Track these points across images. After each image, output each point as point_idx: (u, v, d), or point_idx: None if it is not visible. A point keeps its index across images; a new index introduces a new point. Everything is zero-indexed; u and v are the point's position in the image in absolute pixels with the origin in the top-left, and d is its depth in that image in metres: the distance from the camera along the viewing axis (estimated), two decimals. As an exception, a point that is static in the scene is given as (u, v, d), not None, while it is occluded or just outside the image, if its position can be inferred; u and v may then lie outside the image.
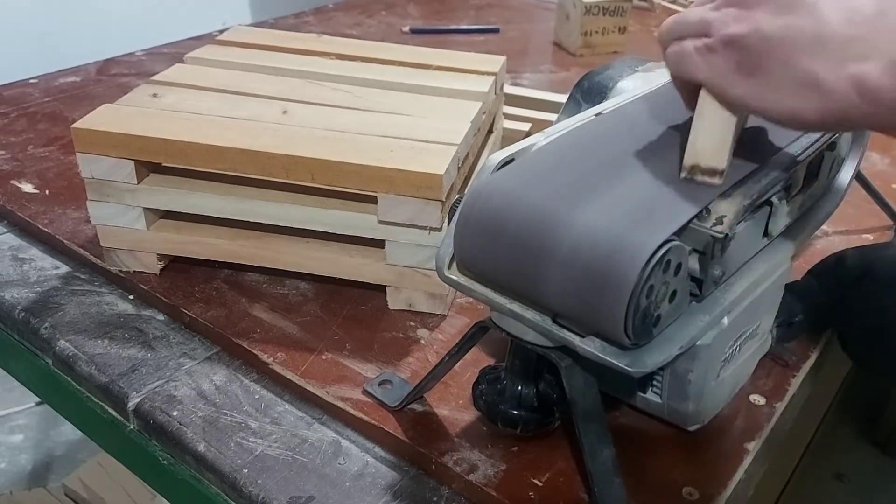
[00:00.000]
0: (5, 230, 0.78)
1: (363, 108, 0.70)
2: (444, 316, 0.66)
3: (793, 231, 0.55)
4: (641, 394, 0.52)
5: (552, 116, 0.88)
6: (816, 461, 1.60)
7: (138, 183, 0.64)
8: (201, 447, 0.53)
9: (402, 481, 0.52)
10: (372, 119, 0.67)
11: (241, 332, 0.62)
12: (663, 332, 0.43)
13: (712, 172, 0.44)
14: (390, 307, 0.66)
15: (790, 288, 0.57)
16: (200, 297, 0.66)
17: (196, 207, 0.65)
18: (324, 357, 0.60)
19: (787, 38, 0.38)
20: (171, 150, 0.62)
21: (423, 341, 0.63)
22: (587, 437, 0.47)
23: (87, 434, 0.68)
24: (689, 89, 0.45)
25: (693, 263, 0.44)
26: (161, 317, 0.66)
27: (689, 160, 0.45)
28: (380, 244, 0.64)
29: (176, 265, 0.70)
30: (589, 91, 0.60)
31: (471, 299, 0.62)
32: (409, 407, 0.56)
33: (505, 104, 0.89)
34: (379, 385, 0.57)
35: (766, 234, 0.51)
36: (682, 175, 0.45)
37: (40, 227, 0.75)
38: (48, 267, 0.72)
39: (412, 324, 0.65)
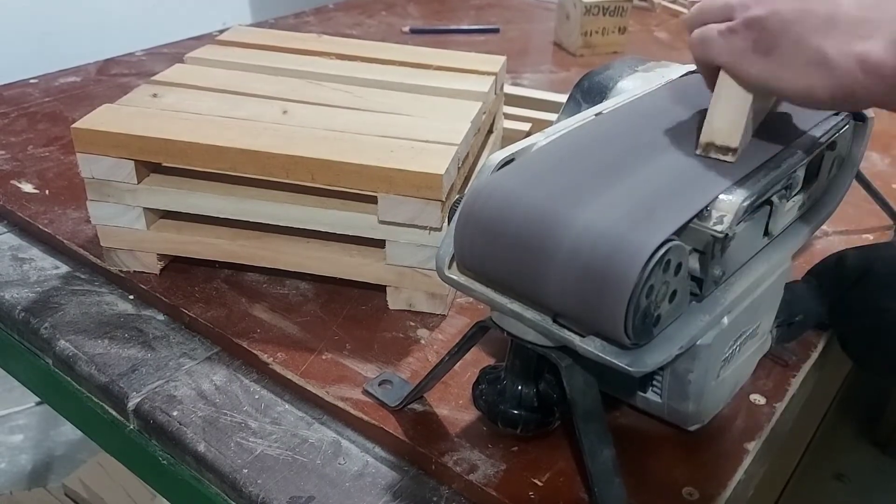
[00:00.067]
0: (5, 230, 0.78)
1: (363, 108, 0.70)
2: (444, 316, 0.66)
3: (793, 231, 0.55)
4: (641, 394, 0.52)
5: (552, 116, 0.88)
6: (816, 461, 1.60)
7: (138, 183, 0.65)
8: (201, 447, 0.53)
9: (402, 481, 0.52)
10: (372, 119, 0.67)
11: (241, 332, 0.62)
12: (663, 332, 0.43)
13: (726, 150, 0.47)
14: (390, 307, 0.66)
15: (790, 288, 0.57)
16: (200, 297, 0.66)
17: (196, 207, 0.65)
18: (324, 357, 0.60)
19: (801, 19, 0.40)
20: (171, 150, 0.62)
21: (423, 341, 0.63)
22: (587, 437, 0.47)
23: (87, 434, 0.68)
24: (711, 72, 0.47)
25: (693, 263, 0.44)
26: (161, 317, 0.66)
27: (704, 137, 0.47)
28: (380, 244, 0.64)
29: (176, 265, 0.70)
30: (589, 91, 0.60)
31: (471, 299, 0.62)
32: (409, 407, 0.56)
33: (505, 104, 0.89)
34: (379, 385, 0.57)
35: (766, 233, 0.51)
36: (697, 151, 0.47)
37: (40, 227, 0.75)
38: (48, 267, 0.72)
39: (412, 324, 0.65)
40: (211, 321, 0.63)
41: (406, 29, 1.44)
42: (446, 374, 0.56)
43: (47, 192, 0.82)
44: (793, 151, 0.49)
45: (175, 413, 0.56)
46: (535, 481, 0.50)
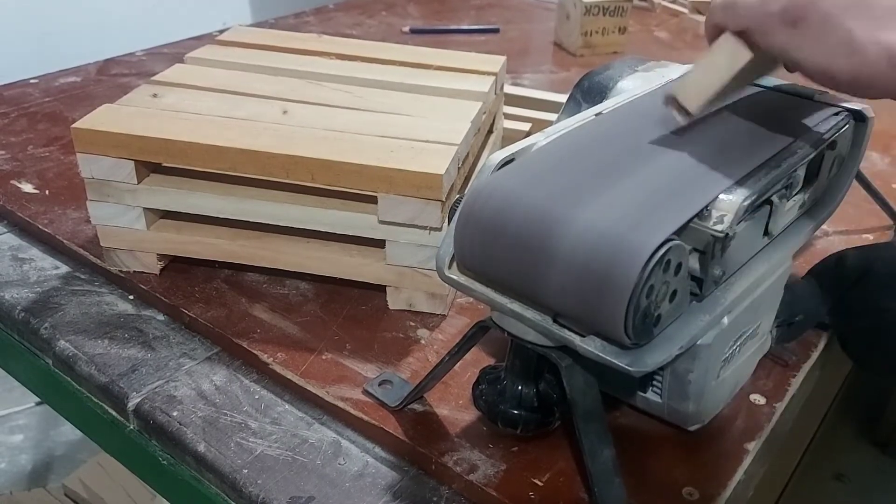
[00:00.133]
0: (5, 230, 0.78)
1: (363, 108, 0.70)
2: (444, 316, 0.66)
3: (793, 231, 0.55)
4: (641, 394, 0.52)
5: (552, 116, 0.88)
6: (816, 461, 1.60)
7: (138, 183, 0.65)
8: (201, 447, 0.53)
9: (402, 481, 0.52)
10: (372, 119, 0.67)
11: (241, 332, 0.62)
12: (664, 332, 0.43)
13: (682, 110, 0.47)
14: (390, 307, 0.66)
15: (790, 288, 0.57)
16: (200, 297, 0.66)
17: (196, 207, 0.65)
18: (324, 357, 0.60)
19: None
20: (171, 150, 0.62)
21: (423, 341, 0.63)
22: (587, 437, 0.47)
23: (87, 434, 0.68)
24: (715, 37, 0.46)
25: (693, 263, 0.44)
26: (161, 317, 0.66)
27: (672, 90, 0.47)
28: (380, 244, 0.64)
29: (176, 265, 0.70)
30: (589, 91, 0.60)
31: (471, 299, 0.62)
32: (409, 407, 0.56)
33: (505, 104, 0.89)
34: (379, 385, 0.57)
35: (766, 233, 0.51)
36: (662, 100, 0.48)
37: (40, 227, 0.75)
38: (48, 267, 0.72)
39: (412, 324, 0.65)
40: (211, 321, 0.63)
41: (406, 29, 1.44)
42: (446, 374, 0.56)
43: (47, 192, 0.82)
44: (793, 151, 0.49)
45: (175, 413, 0.56)
46: (536, 481, 0.50)
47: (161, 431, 0.56)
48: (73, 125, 0.63)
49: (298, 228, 0.65)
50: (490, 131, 0.82)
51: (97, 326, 0.64)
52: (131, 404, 0.57)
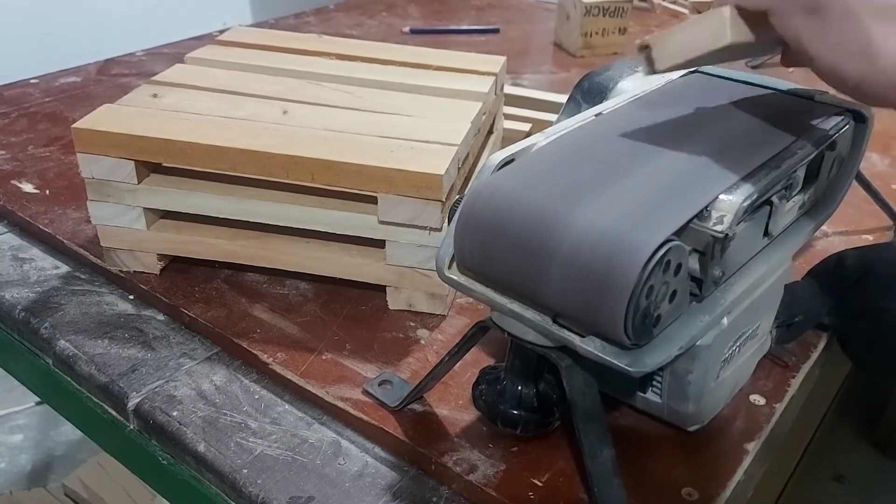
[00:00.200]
0: (6, 230, 0.78)
1: (363, 108, 0.70)
2: (444, 316, 0.66)
3: (793, 231, 0.55)
4: (641, 394, 0.52)
5: (552, 117, 0.88)
6: (816, 462, 1.60)
7: (138, 183, 0.65)
8: (201, 447, 0.53)
9: (401, 481, 0.52)
10: (372, 119, 0.67)
11: (241, 332, 0.63)
12: (663, 332, 0.43)
13: (650, 61, 0.45)
14: (390, 307, 0.66)
15: (790, 288, 0.57)
16: (200, 297, 0.66)
17: (196, 207, 0.65)
18: (324, 357, 0.60)
19: None
20: (171, 150, 0.62)
21: (423, 341, 0.63)
22: (587, 437, 0.47)
23: (87, 434, 0.68)
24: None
25: (693, 263, 0.44)
26: (161, 317, 0.66)
27: (650, 39, 0.45)
28: (380, 244, 0.64)
29: (176, 265, 0.70)
30: (589, 91, 0.60)
31: (471, 299, 0.62)
32: (408, 407, 0.56)
33: (505, 104, 0.89)
34: (379, 385, 0.57)
35: (766, 234, 0.51)
36: (636, 44, 0.45)
37: (40, 227, 0.75)
38: (48, 267, 0.73)
39: (412, 324, 0.65)
40: (211, 321, 0.63)
41: (406, 29, 1.44)
42: (446, 375, 0.56)
43: (47, 192, 0.82)
44: (793, 151, 0.49)
45: (175, 413, 0.56)
46: (535, 481, 0.50)
47: (161, 431, 0.56)
48: (74, 125, 0.63)
49: (298, 228, 0.65)
50: (490, 132, 0.82)
51: (97, 326, 0.65)
52: (131, 404, 0.57)
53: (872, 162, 0.98)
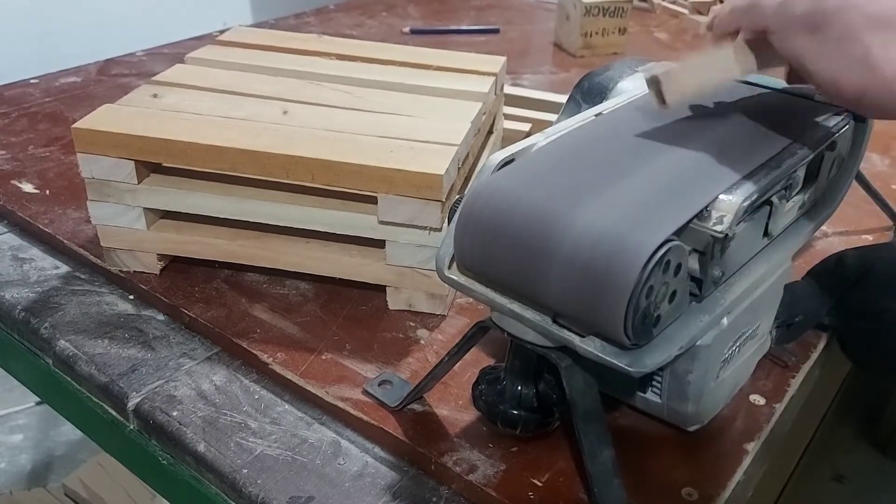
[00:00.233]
0: (6, 230, 0.78)
1: (363, 108, 0.70)
2: (444, 316, 0.66)
3: (793, 231, 0.55)
4: (641, 394, 0.52)
5: (552, 117, 0.88)
6: (816, 462, 1.60)
7: (138, 183, 0.65)
8: (201, 447, 0.53)
9: (401, 481, 0.52)
10: (372, 119, 0.67)
11: (241, 332, 0.63)
12: (663, 333, 0.43)
13: (659, 96, 0.47)
14: (390, 307, 0.66)
15: (790, 289, 0.57)
16: (200, 297, 0.66)
17: (196, 207, 0.65)
18: (324, 357, 0.60)
19: (860, 7, 0.38)
20: (171, 150, 0.62)
21: (423, 341, 0.63)
22: (587, 437, 0.47)
23: (87, 434, 0.68)
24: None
25: (693, 263, 0.44)
26: (161, 317, 0.66)
27: (659, 74, 0.46)
28: (380, 244, 0.64)
29: (176, 265, 0.70)
30: (589, 92, 0.60)
31: (471, 299, 0.62)
32: (408, 407, 0.56)
33: (505, 104, 0.89)
34: (379, 385, 0.57)
35: (766, 234, 0.51)
36: (645, 76, 0.47)
37: (41, 227, 0.75)
38: (48, 267, 0.73)
39: (412, 324, 0.65)
40: (211, 321, 0.63)
41: (406, 29, 1.44)
42: (446, 375, 0.56)
43: (48, 192, 0.82)
44: (793, 151, 0.49)
45: (175, 413, 0.56)
46: (535, 481, 0.50)
47: (161, 431, 0.56)
48: (74, 125, 0.63)
49: (298, 228, 0.65)
50: (490, 132, 0.82)
51: (97, 326, 0.65)
52: (131, 404, 0.57)
53: (872, 162, 0.98)
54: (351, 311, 0.66)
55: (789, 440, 0.60)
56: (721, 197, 0.44)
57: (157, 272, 0.69)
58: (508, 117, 0.91)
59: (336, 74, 0.77)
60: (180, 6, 2.21)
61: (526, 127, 0.90)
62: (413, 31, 1.43)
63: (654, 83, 0.47)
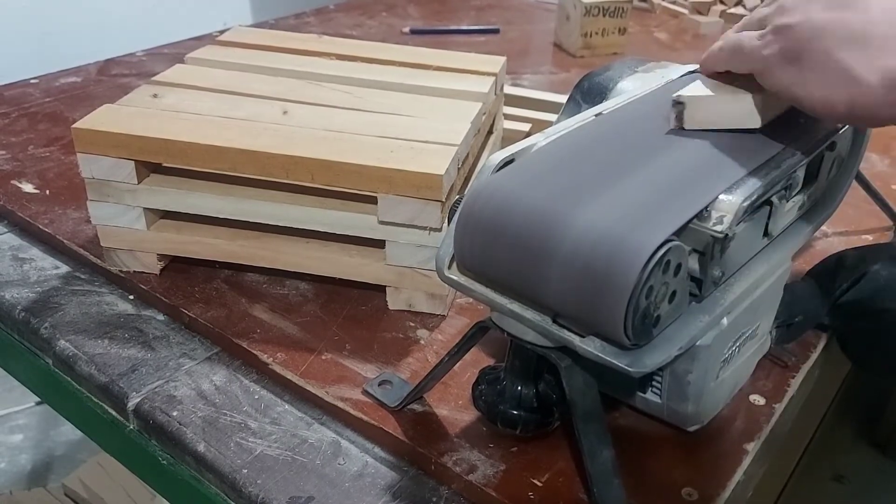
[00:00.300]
0: (6, 230, 0.78)
1: (363, 108, 0.70)
2: (443, 316, 0.66)
3: (792, 231, 0.55)
4: (641, 394, 0.52)
5: (552, 117, 0.88)
6: (816, 462, 1.60)
7: (138, 183, 0.65)
8: (201, 447, 0.53)
9: (401, 481, 0.52)
10: (372, 119, 0.67)
11: (241, 332, 0.63)
12: (663, 333, 0.43)
13: (679, 119, 0.50)
14: (390, 307, 0.66)
15: (790, 289, 0.57)
16: (200, 297, 0.66)
17: (196, 207, 0.65)
18: (324, 357, 0.60)
19: (831, 31, 0.40)
20: (171, 150, 0.62)
21: (422, 341, 0.63)
22: (587, 437, 0.47)
23: (87, 434, 0.68)
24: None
25: (693, 264, 0.44)
26: (161, 317, 0.66)
27: (685, 98, 0.49)
28: (380, 244, 0.64)
29: (176, 265, 0.70)
30: (589, 92, 0.60)
31: (471, 299, 0.62)
32: (408, 407, 0.56)
33: (505, 104, 0.89)
34: (379, 385, 0.57)
35: (766, 234, 0.51)
36: (672, 97, 0.50)
37: (40, 227, 0.75)
38: (48, 267, 0.73)
39: (412, 324, 0.65)
40: (211, 321, 0.63)
41: (406, 30, 1.44)
42: (446, 375, 0.56)
43: (48, 192, 0.82)
44: (793, 151, 0.49)
45: (175, 413, 0.56)
46: (535, 481, 0.50)
47: (161, 431, 0.56)
48: (74, 125, 0.63)
49: (298, 228, 0.65)
50: (490, 132, 0.82)
51: (97, 326, 0.65)
52: (131, 404, 0.57)
53: (872, 162, 0.98)
54: (351, 311, 0.66)
55: (789, 440, 0.60)
56: (721, 197, 0.44)
57: (157, 272, 0.69)
58: (508, 117, 0.91)
59: (336, 74, 0.77)
60: (180, 6, 2.21)
61: (526, 127, 0.90)
62: (413, 32, 1.43)
63: (678, 105, 0.49)
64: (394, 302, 0.66)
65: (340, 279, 0.67)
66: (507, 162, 0.47)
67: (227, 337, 0.62)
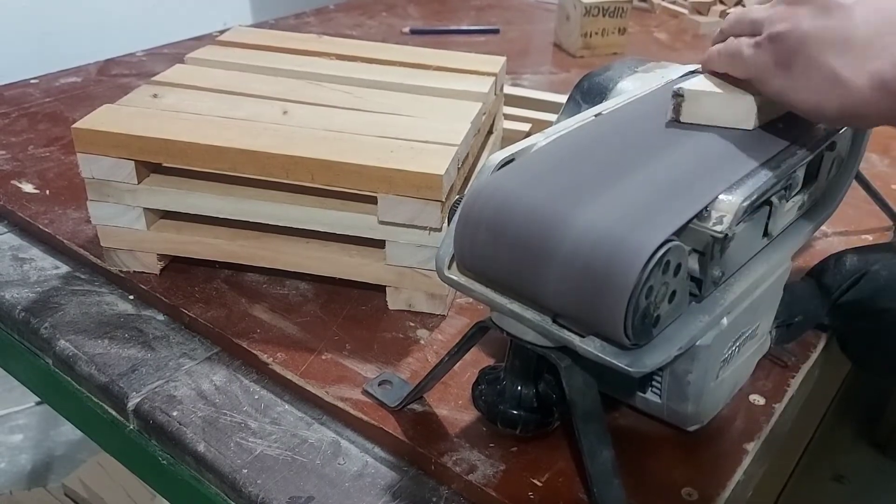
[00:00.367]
0: (6, 230, 0.78)
1: (363, 108, 0.70)
2: (443, 316, 0.66)
3: (792, 231, 0.55)
4: (641, 394, 0.52)
5: (552, 117, 0.88)
6: (816, 462, 1.60)
7: (138, 183, 0.65)
8: (201, 447, 0.53)
9: (401, 481, 0.52)
10: (372, 119, 0.67)
11: (241, 332, 0.63)
12: (663, 333, 0.43)
13: (677, 111, 0.51)
14: (390, 307, 0.66)
15: (789, 289, 0.57)
16: (200, 297, 0.66)
17: (196, 207, 0.65)
18: (324, 357, 0.60)
19: (818, 38, 0.42)
20: (171, 150, 0.62)
21: (422, 341, 0.63)
22: (587, 437, 0.47)
23: (87, 434, 0.68)
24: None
25: (693, 264, 0.44)
26: (161, 317, 0.66)
27: (685, 91, 0.50)
28: (380, 244, 0.64)
29: (176, 265, 0.70)
30: (589, 92, 0.60)
31: (471, 299, 0.62)
32: (408, 407, 0.56)
33: (505, 105, 0.89)
34: (379, 385, 0.57)
35: (765, 234, 0.51)
36: (673, 88, 0.51)
37: (41, 227, 0.75)
38: (48, 267, 0.73)
39: (412, 324, 0.65)
40: (211, 321, 0.63)
41: (406, 30, 1.44)
42: (446, 375, 0.56)
43: (48, 192, 0.82)
44: (793, 151, 0.49)
45: (175, 413, 0.56)
46: (535, 481, 0.50)
47: (161, 431, 0.56)
48: (74, 125, 0.63)
49: (298, 228, 0.65)
50: (490, 132, 0.82)
51: (97, 326, 0.65)
52: (131, 404, 0.58)
53: (872, 162, 0.98)
54: (351, 311, 0.66)
55: (789, 440, 0.60)
56: (721, 197, 0.44)
57: (157, 272, 0.69)
58: (508, 117, 0.91)
59: (336, 74, 0.77)
60: (180, 6, 2.21)
61: (526, 127, 0.90)
62: (413, 32, 1.43)
63: (678, 96, 0.50)
64: (394, 302, 0.66)
65: (340, 279, 0.67)
66: (507, 162, 0.47)
67: (227, 337, 0.62)
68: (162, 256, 0.69)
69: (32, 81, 1.11)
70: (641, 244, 0.39)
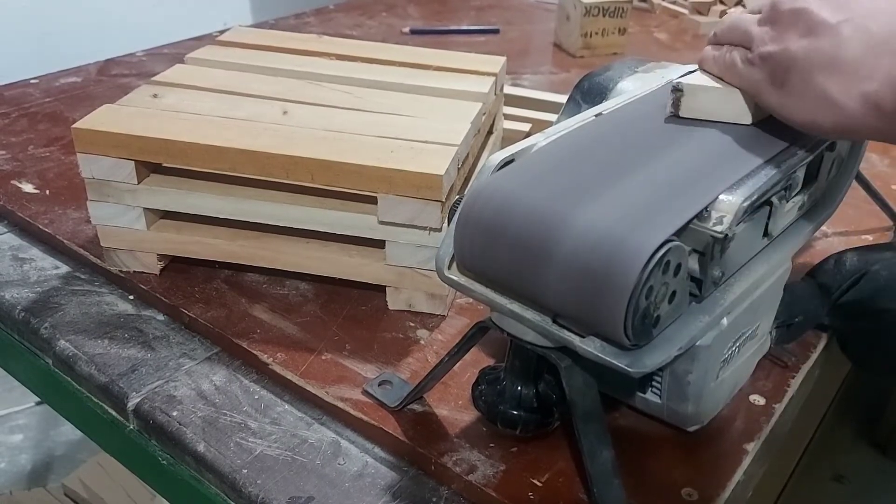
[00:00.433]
0: (6, 230, 0.78)
1: (363, 108, 0.70)
2: (443, 316, 0.66)
3: (792, 232, 0.55)
4: (641, 394, 0.52)
5: (552, 117, 0.88)
6: (816, 462, 1.60)
7: (138, 183, 0.65)
8: (201, 447, 0.53)
9: (401, 482, 0.52)
10: (372, 119, 0.67)
11: (240, 332, 0.63)
12: (663, 333, 0.43)
13: (676, 106, 0.51)
14: (390, 307, 0.66)
15: (790, 289, 0.57)
16: (200, 297, 0.66)
17: (196, 207, 0.65)
18: (324, 357, 0.60)
19: (807, 59, 0.43)
20: (171, 150, 0.62)
21: (422, 342, 0.63)
22: (587, 437, 0.47)
23: (87, 434, 0.68)
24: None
25: (693, 264, 0.44)
26: (161, 317, 0.66)
27: (684, 86, 0.50)
28: (380, 244, 0.64)
29: (176, 265, 0.70)
30: (589, 92, 0.60)
31: (471, 299, 0.62)
32: (408, 407, 0.56)
33: (505, 104, 0.89)
34: (379, 385, 0.57)
35: (765, 234, 0.51)
36: (672, 83, 0.51)
37: (40, 227, 0.75)
38: (48, 267, 0.73)
39: (412, 324, 0.65)
40: (211, 321, 0.63)
41: (406, 30, 1.44)
42: (446, 375, 0.56)
43: (48, 192, 0.82)
44: (793, 152, 0.49)
45: (175, 413, 0.56)
46: (535, 482, 0.50)
47: (161, 431, 0.56)
48: (74, 125, 0.63)
49: (298, 228, 0.65)
50: (490, 132, 0.82)
51: (97, 326, 0.65)
52: (131, 404, 0.58)
53: (872, 162, 0.98)
54: (351, 311, 0.66)
55: (789, 440, 0.60)
56: (721, 197, 0.44)
57: (157, 272, 0.69)
58: (508, 117, 0.91)
59: (336, 74, 0.77)
60: (180, 6, 2.22)
61: (526, 127, 0.90)
62: (413, 32, 1.43)
63: (677, 91, 0.51)
64: (394, 302, 0.66)
65: (340, 279, 0.67)
66: (507, 162, 0.47)
67: (227, 337, 0.62)
68: (162, 256, 0.69)
69: (32, 81, 1.11)
70: (641, 244, 0.39)
